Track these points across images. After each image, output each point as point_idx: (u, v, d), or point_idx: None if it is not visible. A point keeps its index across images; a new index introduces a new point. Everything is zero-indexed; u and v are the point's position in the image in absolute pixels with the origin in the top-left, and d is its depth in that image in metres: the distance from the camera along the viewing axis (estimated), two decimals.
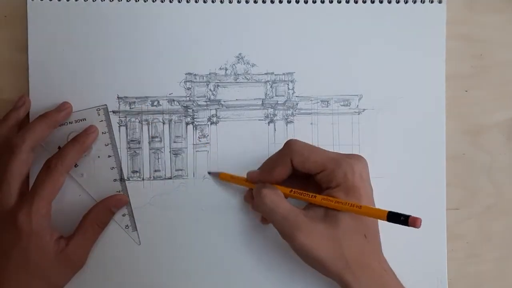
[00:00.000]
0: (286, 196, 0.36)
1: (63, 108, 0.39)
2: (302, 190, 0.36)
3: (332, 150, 0.36)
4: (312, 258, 0.33)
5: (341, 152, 0.36)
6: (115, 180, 0.40)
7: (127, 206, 0.40)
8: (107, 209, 0.39)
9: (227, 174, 0.40)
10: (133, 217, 0.40)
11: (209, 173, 0.41)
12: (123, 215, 0.40)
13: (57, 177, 0.36)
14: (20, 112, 0.39)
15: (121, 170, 0.40)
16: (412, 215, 0.31)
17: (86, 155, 0.40)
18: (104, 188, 0.40)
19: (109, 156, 0.40)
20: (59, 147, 0.39)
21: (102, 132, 0.40)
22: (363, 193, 0.34)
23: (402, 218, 0.32)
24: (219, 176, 0.40)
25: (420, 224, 0.31)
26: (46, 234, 0.36)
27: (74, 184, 0.40)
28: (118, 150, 0.40)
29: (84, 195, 0.40)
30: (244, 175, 0.39)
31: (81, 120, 0.40)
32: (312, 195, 0.35)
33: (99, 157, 0.40)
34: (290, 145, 0.36)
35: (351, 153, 0.37)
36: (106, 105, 0.40)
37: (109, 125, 0.40)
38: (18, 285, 0.35)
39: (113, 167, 0.40)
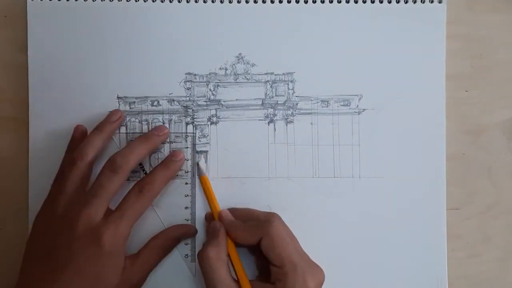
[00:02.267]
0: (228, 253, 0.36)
1: (162, 132, 0.39)
2: (243, 270, 0.36)
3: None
4: None
5: (308, 258, 0.36)
6: (186, 208, 0.40)
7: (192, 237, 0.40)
8: (175, 236, 0.39)
9: (208, 183, 0.40)
10: (195, 248, 0.40)
11: (197, 164, 0.40)
12: (186, 244, 0.40)
13: (146, 202, 0.36)
14: (114, 126, 0.39)
15: (194, 199, 0.40)
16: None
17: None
18: (173, 214, 0.40)
19: (186, 184, 0.40)
20: (140, 164, 0.40)
21: (186, 159, 0.40)
22: None
23: None
24: (200, 177, 0.40)
25: None
26: (123, 254, 0.36)
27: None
28: (118, 149, 0.40)
29: (153, 216, 0.40)
30: (243, 175, 0.39)
31: (170, 142, 0.40)
32: (243, 278, 0.35)
33: (175, 182, 0.40)
34: (269, 225, 0.35)
35: (315, 263, 0.36)
36: (194, 133, 0.40)
37: (193, 153, 0.40)
38: None
39: (187, 195, 0.40)
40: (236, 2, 0.41)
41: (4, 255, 0.40)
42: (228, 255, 0.37)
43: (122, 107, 0.40)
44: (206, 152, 0.41)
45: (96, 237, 0.34)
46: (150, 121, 0.41)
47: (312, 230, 0.40)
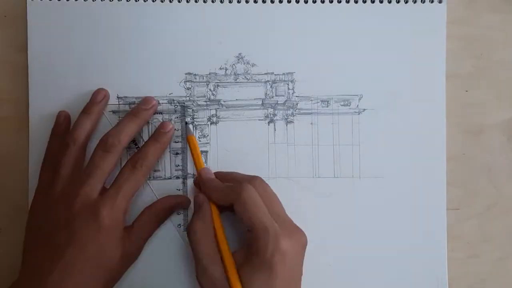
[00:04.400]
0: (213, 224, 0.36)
1: (150, 105, 0.39)
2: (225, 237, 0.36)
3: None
4: None
5: (288, 222, 0.35)
6: (177, 177, 0.40)
7: None
8: (168, 207, 0.39)
9: (195, 142, 0.40)
10: (187, 217, 0.40)
11: (185, 123, 0.40)
12: (178, 214, 0.40)
13: (141, 176, 0.37)
14: (101, 106, 0.39)
15: (186, 169, 0.40)
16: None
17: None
18: (166, 185, 0.40)
19: (176, 154, 0.40)
20: (133, 140, 0.40)
21: (175, 129, 0.40)
22: (276, 274, 0.32)
23: None
24: (187, 137, 0.40)
25: None
26: (121, 229, 0.36)
27: None
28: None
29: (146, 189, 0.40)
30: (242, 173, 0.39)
31: (158, 113, 0.40)
32: (222, 246, 0.35)
33: (168, 153, 0.40)
34: (241, 189, 0.35)
35: (297, 227, 0.35)
36: (184, 102, 0.40)
37: (183, 122, 0.40)
38: (85, 276, 0.34)
39: (178, 165, 0.40)
40: (236, 2, 0.41)
41: (4, 255, 0.40)
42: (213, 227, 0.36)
43: (122, 107, 0.40)
44: (206, 152, 0.41)
45: (94, 213, 0.35)
46: (150, 121, 0.41)
47: (312, 230, 0.40)
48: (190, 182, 0.40)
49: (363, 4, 0.41)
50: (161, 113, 0.41)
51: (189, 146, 0.40)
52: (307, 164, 0.41)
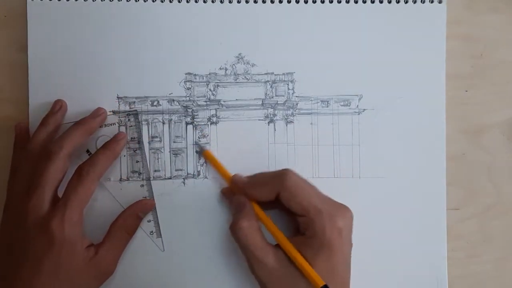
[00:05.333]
0: (259, 219, 0.36)
1: (98, 114, 0.39)
2: (274, 223, 0.36)
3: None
4: None
5: (332, 200, 0.36)
6: (141, 186, 0.40)
7: (152, 212, 0.40)
8: (134, 215, 0.39)
9: (212, 155, 0.40)
10: (158, 224, 0.40)
11: (196, 144, 0.40)
12: (148, 221, 0.40)
13: (89, 184, 0.36)
14: (58, 116, 0.39)
15: (148, 176, 0.40)
16: None
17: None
18: (130, 193, 0.40)
19: (137, 162, 0.40)
20: (87, 151, 0.40)
21: (131, 138, 0.40)
22: (337, 250, 0.34)
23: None
24: (202, 153, 0.40)
25: None
26: (77, 242, 0.35)
27: (102, 190, 0.40)
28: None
29: (111, 201, 0.40)
30: (243, 174, 0.39)
31: (110, 124, 0.40)
32: (278, 234, 0.35)
33: (126, 162, 0.40)
34: (284, 177, 0.35)
35: (341, 203, 0.36)
36: (136, 110, 0.40)
37: (138, 131, 0.40)
38: None
39: (140, 173, 0.40)
40: (236, 2, 0.41)
41: None
42: (258, 221, 0.36)
43: (122, 107, 0.40)
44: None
45: (44, 226, 0.34)
46: (150, 121, 0.41)
47: None
48: (154, 184, 0.40)
49: (363, 4, 0.41)
50: (161, 113, 0.41)
51: (208, 160, 0.40)
52: (307, 164, 0.41)
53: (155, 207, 0.40)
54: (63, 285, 0.35)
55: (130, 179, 0.40)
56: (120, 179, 0.40)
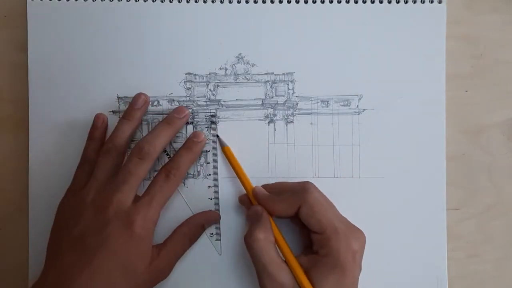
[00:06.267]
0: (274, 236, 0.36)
1: (183, 114, 0.39)
2: (286, 244, 0.36)
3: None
4: None
5: (348, 221, 0.36)
6: (209, 187, 0.40)
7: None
8: (199, 224, 0.39)
9: (233, 155, 0.40)
10: (220, 227, 0.40)
11: (217, 136, 0.40)
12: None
13: (173, 186, 0.37)
14: (142, 111, 0.39)
15: (217, 178, 0.40)
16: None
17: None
18: (196, 193, 0.40)
19: (208, 163, 0.40)
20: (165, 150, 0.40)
21: (207, 139, 0.40)
22: (348, 273, 0.33)
23: None
24: (222, 149, 0.40)
25: None
26: (151, 240, 0.36)
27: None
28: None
29: (180, 204, 0.40)
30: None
31: (189, 123, 0.40)
32: (287, 253, 0.35)
33: (201, 165, 0.41)
34: (306, 193, 0.35)
35: (356, 226, 0.36)
36: (215, 111, 0.40)
37: (214, 131, 0.40)
38: (111, 283, 0.34)
39: (209, 174, 0.40)
40: (236, 2, 0.41)
41: (4, 255, 0.40)
42: (273, 235, 0.36)
43: (122, 107, 0.40)
44: (206, 152, 0.41)
45: (127, 222, 0.35)
46: (150, 121, 0.41)
47: None
48: (221, 190, 0.40)
49: (363, 4, 0.41)
50: (161, 113, 0.41)
51: (227, 157, 0.40)
52: (307, 164, 0.41)
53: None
54: (125, 282, 0.35)
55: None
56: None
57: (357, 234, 0.35)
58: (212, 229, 0.40)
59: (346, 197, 0.41)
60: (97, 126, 0.39)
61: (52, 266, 0.35)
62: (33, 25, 0.40)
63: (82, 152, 0.39)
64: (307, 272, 0.34)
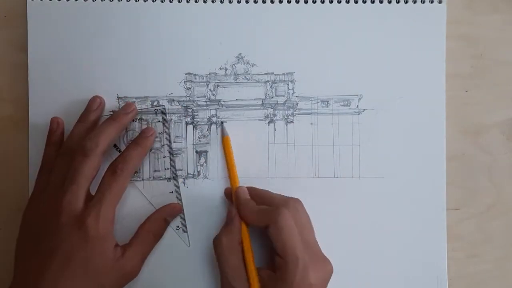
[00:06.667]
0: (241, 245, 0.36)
1: (129, 110, 0.39)
2: (253, 259, 0.36)
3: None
4: None
5: (318, 252, 0.35)
6: (168, 180, 0.40)
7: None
8: (162, 218, 0.39)
9: (229, 147, 0.40)
10: (185, 219, 0.40)
11: (222, 123, 0.40)
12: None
13: (123, 181, 0.37)
14: (97, 113, 0.39)
15: (175, 170, 0.40)
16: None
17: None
18: (157, 188, 0.40)
19: (164, 157, 0.40)
20: (115, 146, 0.40)
21: (159, 133, 0.40)
22: None
23: None
24: (222, 138, 0.40)
25: None
26: (110, 239, 0.36)
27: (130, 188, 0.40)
28: (119, 150, 0.40)
29: (140, 198, 0.40)
30: (243, 175, 0.39)
31: (138, 119, 0.40)
32: (249, 262, 0.35)
33: (155, 158, 0.40)
34: (278, 215, 0.34)
35: (325, 257, 0.35)
36: (164, 106, 0.40)
37: (166, 126, 0.40)
38: (75, 286, 0.34)
39: (167, 168, 0.40)
40: (236, 2, 0.41)
41: (4, 255, 0.40)
42: (241, 242, 0.36)
43: None
44: (206, 152, 0.41)
45: (79, 223, 0.35)
46: (150, 121, 0.41)
47: None
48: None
49: (363, 4, 0.41)
50: (162, 113, 0.41)
51: (224, 147, 0.40)
52: (307, 164, 0.41)
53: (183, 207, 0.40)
54: (89, 283, 0.35)
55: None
56: (150, 177, 0.40)
57: (320, 266, 0.35)
58: (177, 222, 0.40)
59: (346, 197, 0.41)
60: (53, 131, 0.39)
61: (17, 271, 0.36)
62: (33, 25, 0.40)
63: (42, 158, 0.39)
64: (263, 286, 0.34)
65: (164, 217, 0.39)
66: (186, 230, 0.40)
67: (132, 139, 0.40)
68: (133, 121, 0.40)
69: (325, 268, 0.35)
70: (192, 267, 0.40)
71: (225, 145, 0.40)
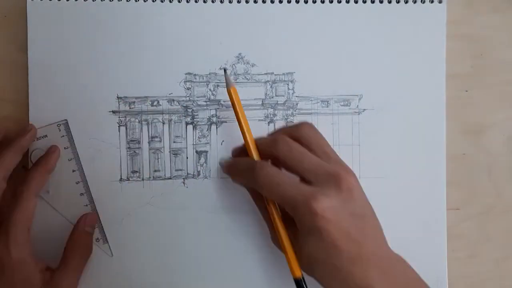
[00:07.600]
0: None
1: (27, 131, 0.38)
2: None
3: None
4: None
5: (317, 178, 0.33)
6: (81, 194, 0.40)
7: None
8: (82, 232, 0.38)
9: (237, 97, 0.37)
10: (103, 229, 0.40)
11: (225, 70, 0.38)
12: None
13: (26, 203, 0.35)
14: (27, 140, 0.38)
15: (86, 184, 0.40)
16: None
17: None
18: (71, 204, 0.39)
19: (73, 171, 0.40)
20: (23, 167, 0.39)
21: (65, 147, 0.40)
22: (328, 230, 0.31)
23: None
24: (228, 90, 0.37)
25: None
26: (29, 264, 0.35)
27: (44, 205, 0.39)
28: (118, 150, 0.40)
29: (56, 216, 0.39)
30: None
31: (42, 137, 0.39)
32: (275, 216, 0.35)
33: (63, 172, 0.40)
34: (256, 171, 0.33)
35: (330, 173, 0.33)
36: (66, 120, 0.40)
37: (70, 139, 0.40)
38: None
39: (78, 181, 0.40)
40: (236, 2, 0.41)
41: None
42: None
43: (122, 107, 0.40)
44: (206, 152, 0.41)
45: None
46: (150, 121, 0.41)
47: None
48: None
49: (363, 4, 0.41)
50: (161, 113, 0.41)
51: (230, 100, 0.37)
52: None
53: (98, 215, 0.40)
54: None
55: (131, 179, 0.40)
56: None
57: (327, 190, 0.32)
58: (96, 234, 0.39)
59: None
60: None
61: None
62: (33, 25, 0.40)
63: None
64: (295, 231, 0.33)
65: (84, 229, 0.38)
66: (107, 240, 0.40)
67: (38, 157, 0.39)
68: (37, 139, 0.39)
69: (330, 195, 0.32)
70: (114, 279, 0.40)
71: (233, 97, 0.36)
